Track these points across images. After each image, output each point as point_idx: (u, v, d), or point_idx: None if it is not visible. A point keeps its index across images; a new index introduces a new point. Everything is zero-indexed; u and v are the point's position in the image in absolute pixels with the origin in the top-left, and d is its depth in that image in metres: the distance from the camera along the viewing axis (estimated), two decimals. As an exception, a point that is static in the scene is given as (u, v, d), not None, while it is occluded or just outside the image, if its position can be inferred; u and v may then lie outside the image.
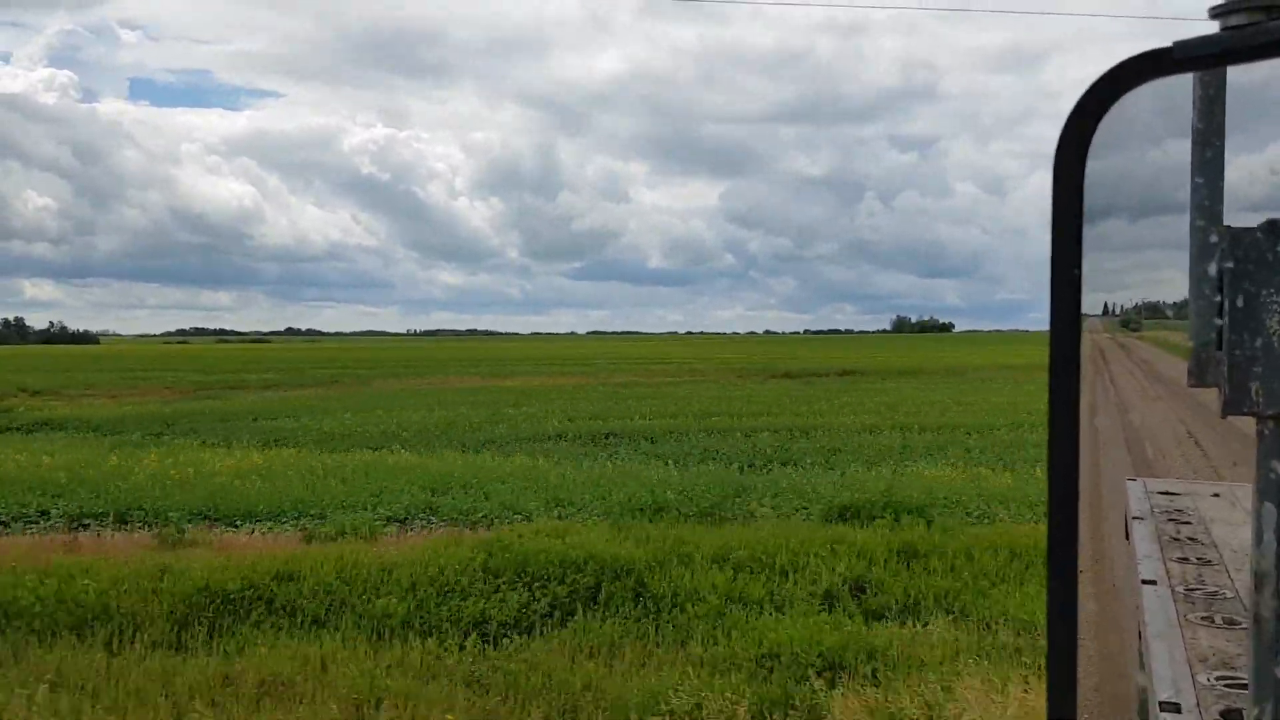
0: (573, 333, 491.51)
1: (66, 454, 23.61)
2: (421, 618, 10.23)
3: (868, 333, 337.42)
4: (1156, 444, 11.58)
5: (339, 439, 27.95)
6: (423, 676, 8.84)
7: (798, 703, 7.85)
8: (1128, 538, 3.53)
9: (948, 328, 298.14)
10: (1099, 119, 0.98)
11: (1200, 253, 1.01)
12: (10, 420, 35.97)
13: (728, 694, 7.82)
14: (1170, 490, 4.23)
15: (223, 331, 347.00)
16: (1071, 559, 1.04)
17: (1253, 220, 0.95)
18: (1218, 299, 0.96)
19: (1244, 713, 1.48)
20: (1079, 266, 1.01)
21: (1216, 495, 4.18)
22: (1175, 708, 1.91)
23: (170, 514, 15.21)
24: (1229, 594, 2.70)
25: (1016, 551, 12.61)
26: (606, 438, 29.17)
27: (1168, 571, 2.92)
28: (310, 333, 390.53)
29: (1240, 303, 0.94)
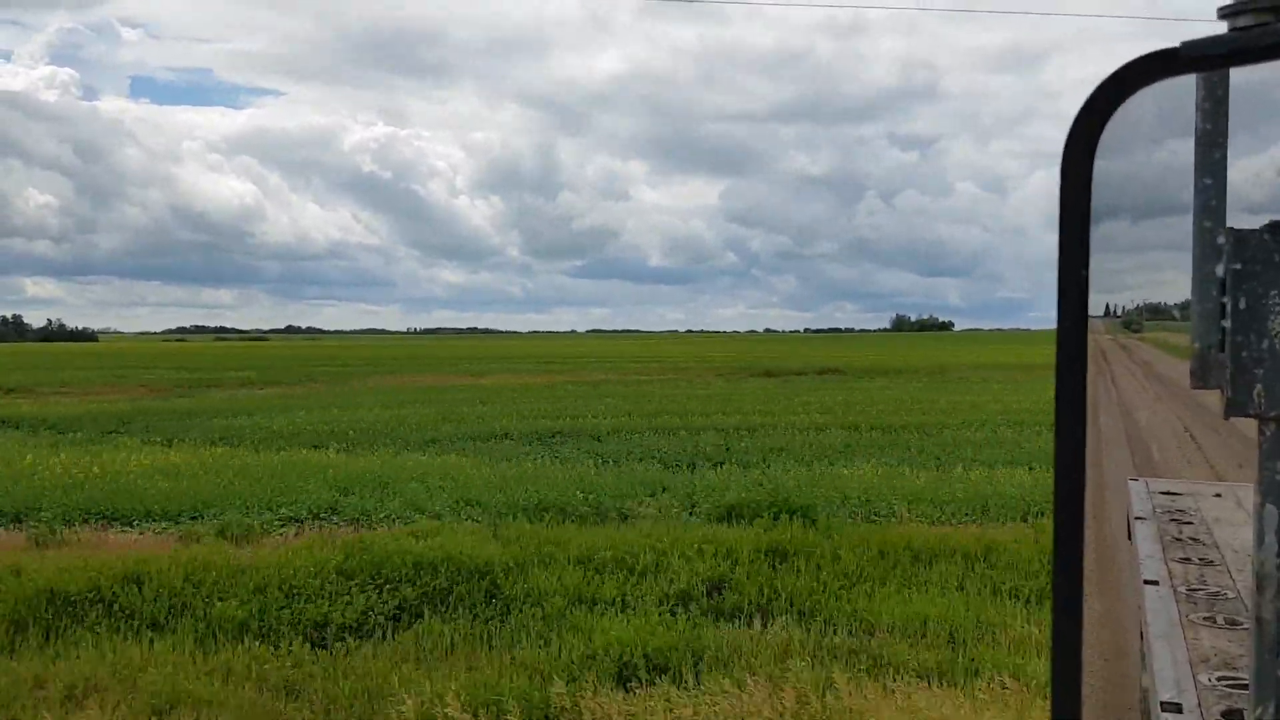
0: (573, 331, 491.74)
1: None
2: (261, 621, 10.15)
3: (868, 331, 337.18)
4: (1158, 443, 11.71)
5: (284, 437, 27.89)
6: (239, 681, 8.76)
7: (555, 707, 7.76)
8: (1130, 538, 3.52)
9: (947, 326, 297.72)
10: (1107, 118, 0.98)
11: (1204, 254, 1.00)
12: (-34, 418, 35.95)
13: (496, 696, 7.73)
14: (1172, 490, 4.23)
15: (222, 329, 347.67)
16: (1077, 558, 1.04)
17: (1255, 222, 0.95)
18: (1222, 300, 0.96)
19: (1245, 713, 1.43)
20: (1086, 266, 1.00)
21: (1219, 496, 4.17)
22: (1177, 708, 1.90)
23: (43, 514, 15.14)
24: (1231, 595, 2.69)
25: (886, 551, 12.54)
26: (553, 437, 29.11)
27: (1170, 572, 2.91)
28: (310, 331, 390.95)
29: (1244, 305, 0.93)
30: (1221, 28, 0.96)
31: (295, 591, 10.69)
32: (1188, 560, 3.05)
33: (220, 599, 10.53)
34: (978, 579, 11.77)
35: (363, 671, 8.88)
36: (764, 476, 19.87)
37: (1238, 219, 0.99)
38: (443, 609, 10.54)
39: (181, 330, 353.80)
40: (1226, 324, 0.95)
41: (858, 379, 58.27)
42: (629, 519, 14.75)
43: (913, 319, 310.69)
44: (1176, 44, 0.96)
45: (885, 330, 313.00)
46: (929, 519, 16.29)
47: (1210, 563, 3.04)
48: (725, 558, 11.97)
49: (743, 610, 10.82)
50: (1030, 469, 21.62)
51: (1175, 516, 3.71)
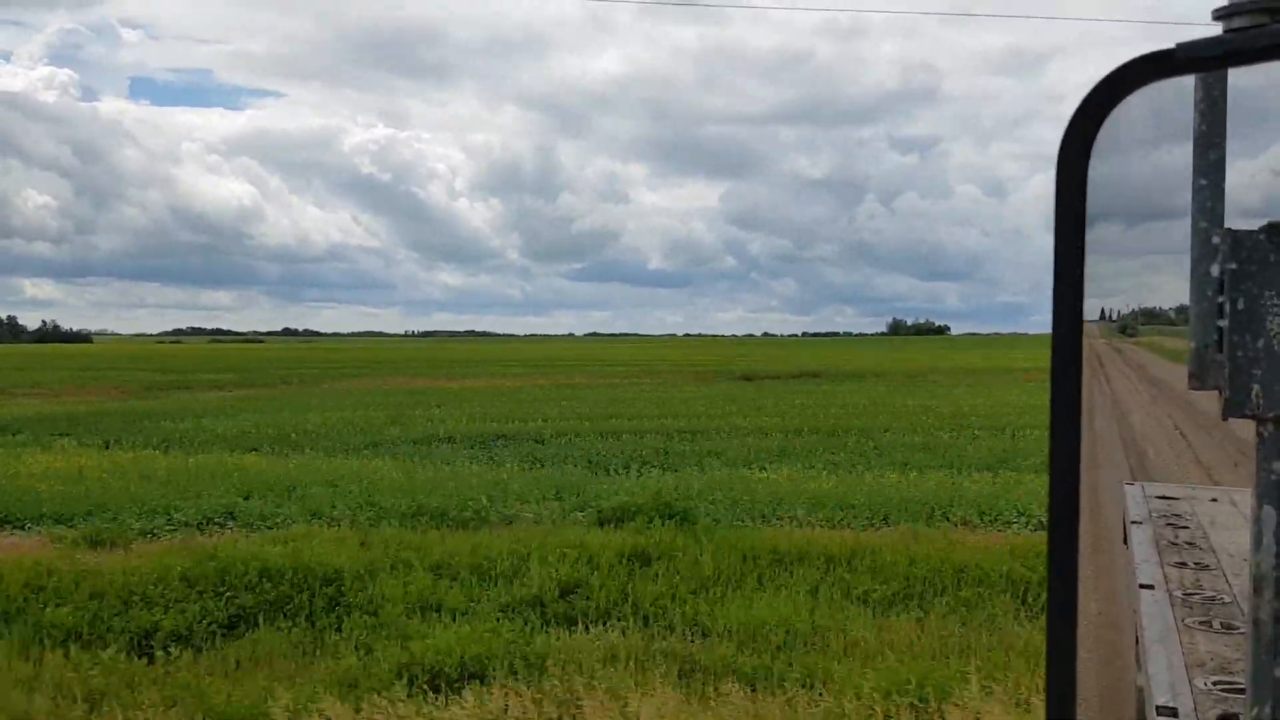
0: (571, 334, 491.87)
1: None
2: (92, 628, 10.07)
3: (866, 335, 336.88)
4: (1153, 446, 11.81)
5: (224, 440, 27.83)
6: (46, 691, 8.68)
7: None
8: (1126, 542, 3.51)
9: (943, 330, 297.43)
10: (1103, 119, 0.98)
11: (1202, 255, 1.00)
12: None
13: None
14: (1168, 495, 4.22)
15: (219, 331, 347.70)
16: (1072, 561, 1.03)
17: (1251, 227, 0.95)
18: (1219, 301, 0.95)
19: (1241, 716, 1.42)
20: (1081, 267, 1.00)
21: (1214, 500, 4.17)
22: (1173, 712, 1.90)
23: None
24: (1227, 599, 2.68)
25: (750, 555, 12.48)
26: (496, 440, 29.07)
27: (1165, 576, 2.92)
28: (307, 333, 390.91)
29: (1241, 305, 0.93)
30: (1221, 30, 0.96)
31: (133, 598, 10.62)
32: (1184, 564, 3.06)
33: (57, 605, 10.45)
34: (833, 583, 11.71)
35: (176, 682, 8.80)
36: (677, 479, 19.83)
37: (1231, 223, 0.98)
38: (280, 617, 10.47)
39: (178, 332, 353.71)
40: (1224, 324, 0.95)
41: (834, 383, 58.23)
42: (512, 523, 14.67)
43: (909, 323, 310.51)
44: (1172, 45, 0.95)
45: (882, 334, 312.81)
46: (830, 522, 16.24)
47: (1206, 567, 3.06)
48: (586, 562, 11.90)
49: (588, 615, 10.76)
50: (956, 471, 21.57)
51: (1171, 521, 3.72)
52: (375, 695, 7.86)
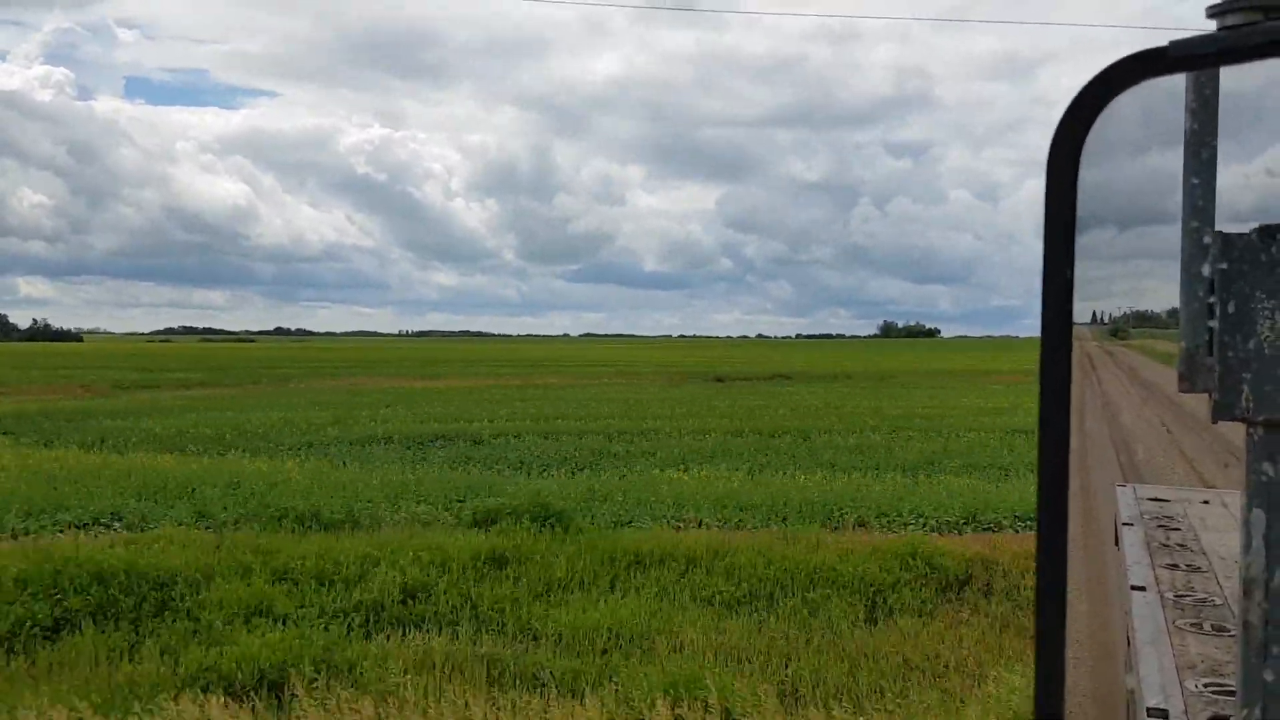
0: (566, 335, 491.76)
1: None
2: (-90, 629, 9.93)
3: (859, 337, 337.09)
4: (1143, 444, 11.87)
5: (159, 439, 27.66)
6: None
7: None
8: (1117, 544, 3.50)
9: (933, 333, 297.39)
10: (1094, 118, 0.97)
11: (1192, 255, 0.99)
12: None
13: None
14: (1160, 497, 4.22)
15: (210, 330, 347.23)
16: (1061, 562, 1.03)
17: (1242, 230, 0.94)
18: (1209, 302, 0.95)
19: (1231, 718, 1.41)
20: (1071, 268, 0.99)
21: (1206, 502, 4.17)
22: (1163, 714, 1.90)
23: None
24: (1218, 601, 2.68)
25: (614, 557, 12.37)
26: (435, 440, 28.94)
27: (1157, 578, 2.91)
28: (300, 333, 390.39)
29: (1232, 307, 0.93)
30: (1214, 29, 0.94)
31: (-43, 599, 10.47)
32: (1175, 566, 3.06)
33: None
34: (687, 585, 11.60)
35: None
36: (586, 480, 19.76)
37: (1226, 228, 0.98)
38: (105, 621, 10.33)
39: (170, 331, 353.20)
40: (1214, 326, 0.94)
41: (804, 385, 58.13)
42: (383, 525, 14.53)
43: (900, 325, 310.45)
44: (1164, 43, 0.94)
45: (874, 337, 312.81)
46: (728, 523, 16.15)
47: (1198, 569, 3.04)
48: (439, 566, 11.77)
49: (426, 619, 10.64)
50: (879, 473, 21.46)
51: (1163, 523, 3.71)
52: (137, 703, 7.71)
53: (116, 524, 15.77)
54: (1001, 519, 16.38)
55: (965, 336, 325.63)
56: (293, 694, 8.41)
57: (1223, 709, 1.90)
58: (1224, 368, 0.93)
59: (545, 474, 22.28)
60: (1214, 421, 0.95)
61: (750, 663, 9.45)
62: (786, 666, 9.32)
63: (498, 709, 8.10)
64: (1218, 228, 1.00)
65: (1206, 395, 0.96)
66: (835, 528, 15.83)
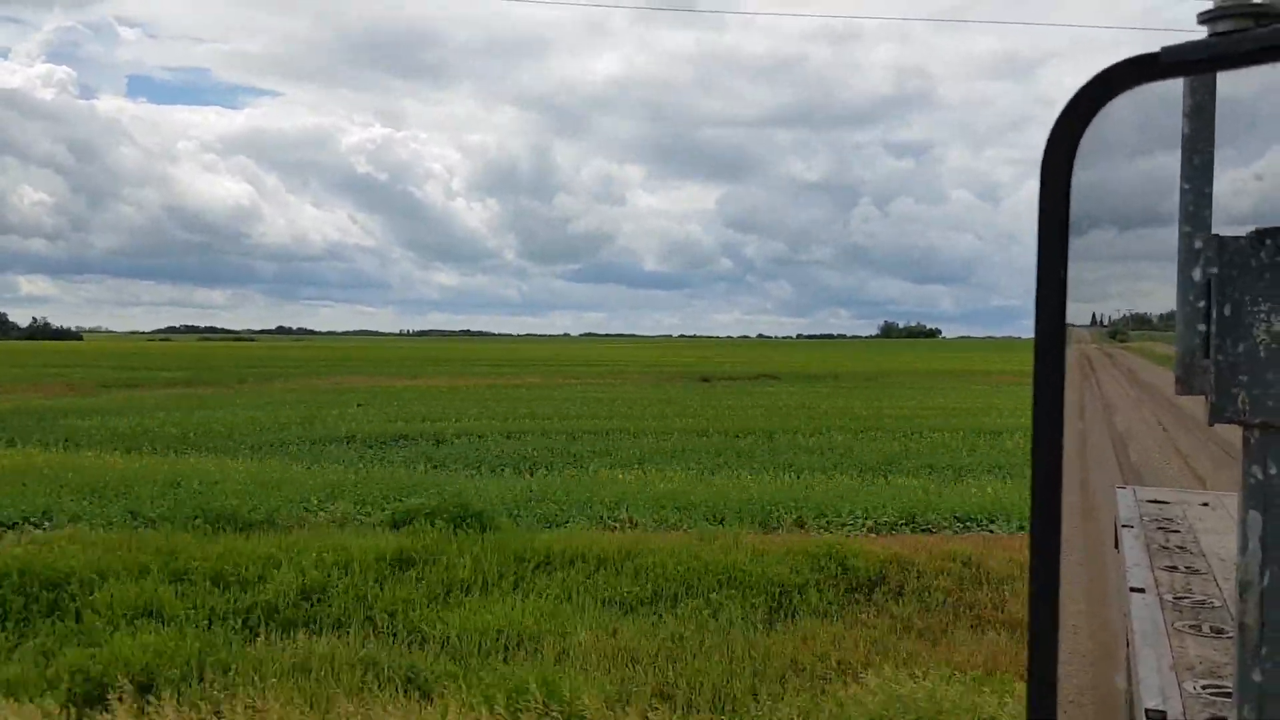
0: (566, 335, 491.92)
1: None
2: None
3: (859, 337, 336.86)
4: (1141, 444, 11.83)
5: (118, 438, 27.56)
6: None
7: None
8: (1116, 546, 3.51)
9: (934, 333, 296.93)
10: (1087, 122, 0.98)
11: (1187, 259, 1.00)
12: None
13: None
14: (1160, 499, 4.24)
15: (211, 329, 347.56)
16: (1054, 564, 1.03)
17: (1238, 234, 0.94)
18: (1204, 306, 0.95)
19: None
20: (1065, 269, 1.00)
21: (1206, 504, 4.19)
22: (1162, 716, 1.91)
23: None
24: (1217, 603, 2.69)
25: (524, 558, 12.24)
26: (398, 440, 28.81)
27: (1156, 579, 2.91)
28: (301, 332, 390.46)
29: (1227, 310, 0.93)
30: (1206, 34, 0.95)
31: None
32: (1174, 568, 3.07)
33: None
34: (592, 586, 11.47)
35: None
36: (533, 480, 19.63)
37: (1224, 232, 0.97)
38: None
39: (171, 330, 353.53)
40: (1210, 329, 0.94)
41: (788, 385, 58.00)
42: (301, 525, 14.40)
43: (901, 326, 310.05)
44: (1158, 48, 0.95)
45: (875, 337, 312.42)
46: (664, 523, 16.02)
47: (1197, 571, 3.05)
48: (341, 567, 11.64)
49: (320, 621, 10.52)
50: (836, 473, 21.32)
51: (1163, 525, 3.72)
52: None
53: (47, 523, 15.67)
54: (941, 520, 16.25)
55: (967, 337, 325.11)
56: (158, 697, 8.31)
57: (1221, 711, 1.90)
58: (1220, 371, 0.93)
59: (498, 474, 22.16)
60: (1210, 424, 0.95)
61: (637, 664, 9.32)
62: (672, 668, 9.19)
63: (349, 713, 7.99)
64: (1214, 231, 1.00)
65: (1203, 398, 0.96)
66: (774, 528, 15.73)
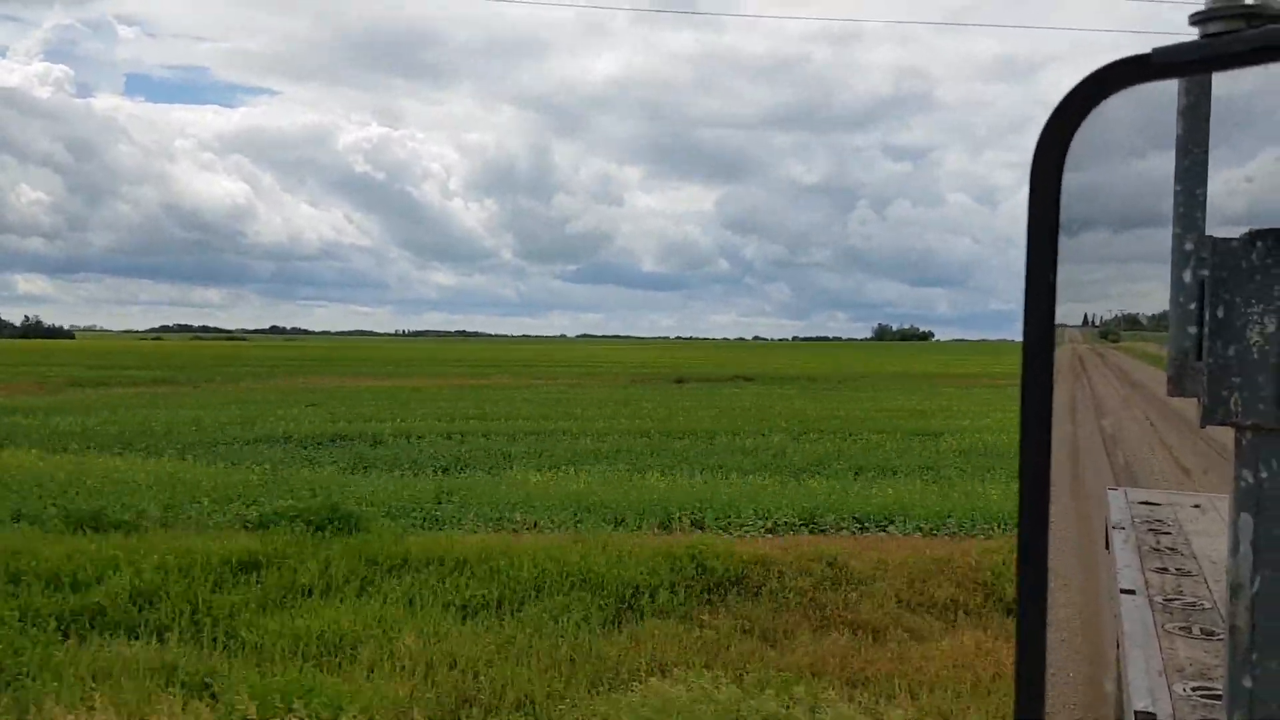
0: (563, 335, 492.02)
1: None
2: None
3: (855, 340, 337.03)
4: (1131, 445, 11.75)
5: (62, 437, 27.24)
6: None
7: None
8: (1108, 547, 3.47)
9: (926, 336, 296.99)
10: (1078, 123, 0.97)
11: (1180, 261, 0.99)
12: None
13: None
14: (1151, 500, 4.21)
15: (205, 329, 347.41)
16: (1042, 566, 1.02)
17: (1232, 235, 0.94)
18: (1195, 308, 0.95)
19: None
20: (1054, 272, 0.99)
21: (1196, 506, 4.16)
22: (1151, 717, 1.90)
23: None
24: (1207, 605, 2.67)
25: (376, 560, 11.97)
26: (334, 440, 28.50)
27: (1146, 581, 2.90)
28: (295, 331, 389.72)
29: (1220, 312, 0.92)
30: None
31: None
32: (1165, 570, 3.05)
33: None
34: (442, 588, 11.17)
35: None
36: (448, 480, 19.41)
37: (1218, 233, 0.96)
38: None
39: (164, 329, 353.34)
40: (1203, 331, 0.94)
41: (763, 386, 57.82)
42: (170, 526, 14.11)
43: (894, 329, 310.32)
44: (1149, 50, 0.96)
45: (869, 339, 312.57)
46: (561, 525, 15.77)
47: (1188, 573, 3.03)
48: (181, 569, 11.34)
49: (147, 626, 10.22)
50: (766, 474, 21.01)
51: (1154, 526, 3.69)
52: None
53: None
54: (839, 521, 15.98)
55: (962, 340, 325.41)
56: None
57: (1211, 713, 1.89)
58: (1212, 372, 0.93)
59: (418, 474, 21.88)
60: (1202, 426, 0.94)
61: (458, 668, 9.05)
62: (487, 673, 8.91)
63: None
64: (1208, 232, 1.00)
65: (1195, 399, 0.95)
66: (669, 529, 15.47)
